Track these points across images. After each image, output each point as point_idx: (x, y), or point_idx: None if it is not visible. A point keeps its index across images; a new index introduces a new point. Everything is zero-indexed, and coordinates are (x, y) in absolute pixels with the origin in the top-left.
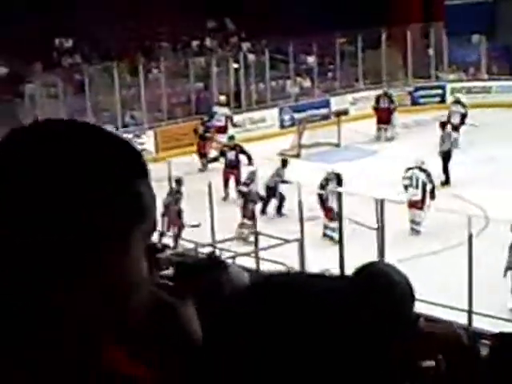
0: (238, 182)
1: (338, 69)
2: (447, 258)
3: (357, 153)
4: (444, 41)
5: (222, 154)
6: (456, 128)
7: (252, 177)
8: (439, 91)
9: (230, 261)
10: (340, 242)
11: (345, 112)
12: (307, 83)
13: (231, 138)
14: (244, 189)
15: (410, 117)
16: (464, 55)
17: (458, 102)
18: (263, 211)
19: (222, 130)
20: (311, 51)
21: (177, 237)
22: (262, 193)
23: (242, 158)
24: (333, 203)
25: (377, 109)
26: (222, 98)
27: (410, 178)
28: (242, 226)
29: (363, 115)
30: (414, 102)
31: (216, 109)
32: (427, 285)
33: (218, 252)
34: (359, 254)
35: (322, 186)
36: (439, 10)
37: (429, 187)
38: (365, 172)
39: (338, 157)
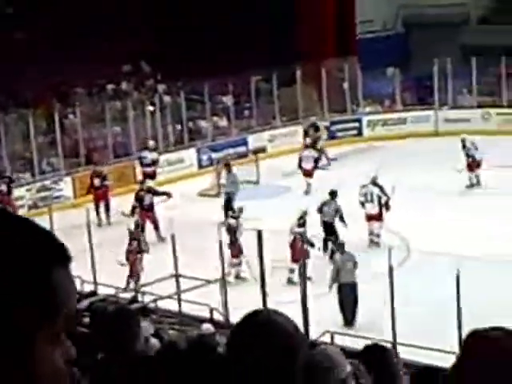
0: (155, 225)
1: (255, 107)
2: (369, 288)
3: (276, 190)
4: (358, 74)
5: (139, 199)
6: (309, 174)
7: (241, 210)
8: (356, 124)
9: (152, 304)
10: (262, 280)
11: (262, 149)
12: (224, 122)
13: (142, 182)
14: (232, 221)
15: (328, 151)
16: (379, 88)
17: (310, 146)
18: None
19: (152, 175)
20: (227, 91)
21: (136, 282)
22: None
23: (156, 199)
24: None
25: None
26: (152, 142)
27: (365, 194)
28: (233, 266)
29: (281, 152)
30: (332, 136)
31: (145, 154)
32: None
33: (140, 296)
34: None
35: (300, 225)
36: (353, 44)
37: (383, 200)
38: (284, 208)
39: (257, 194)
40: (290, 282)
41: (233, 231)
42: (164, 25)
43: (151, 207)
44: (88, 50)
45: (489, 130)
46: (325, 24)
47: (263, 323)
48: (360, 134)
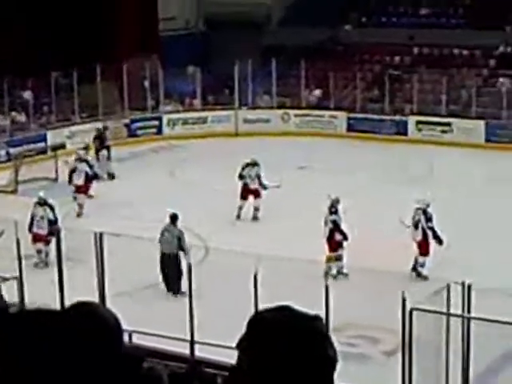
0: None
1: (54, 103)
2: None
3: None
4: (160, 73)
5: None
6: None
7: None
8: (156, 122)
9: None
10: (60, 275)
11: (61, 146)
12: (23, 118)
13: None
14: None
15: (127, 149)
16: (180, 86)
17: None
18: None
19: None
20: (26, 86)
21: None
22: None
23: None
24: None
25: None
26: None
27: (250, 176)
28: None
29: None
30: (131, 134)
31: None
32: (151, 317)
33: None
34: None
35: (333, 213)
36: (155, 42)
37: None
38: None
39: (57, 192)
40: (340, 273)
41: None
42: None
43: None
44: None
45: (287, 131)
46: (127, 20)
47: (90, 313)
48: (160, 132)
